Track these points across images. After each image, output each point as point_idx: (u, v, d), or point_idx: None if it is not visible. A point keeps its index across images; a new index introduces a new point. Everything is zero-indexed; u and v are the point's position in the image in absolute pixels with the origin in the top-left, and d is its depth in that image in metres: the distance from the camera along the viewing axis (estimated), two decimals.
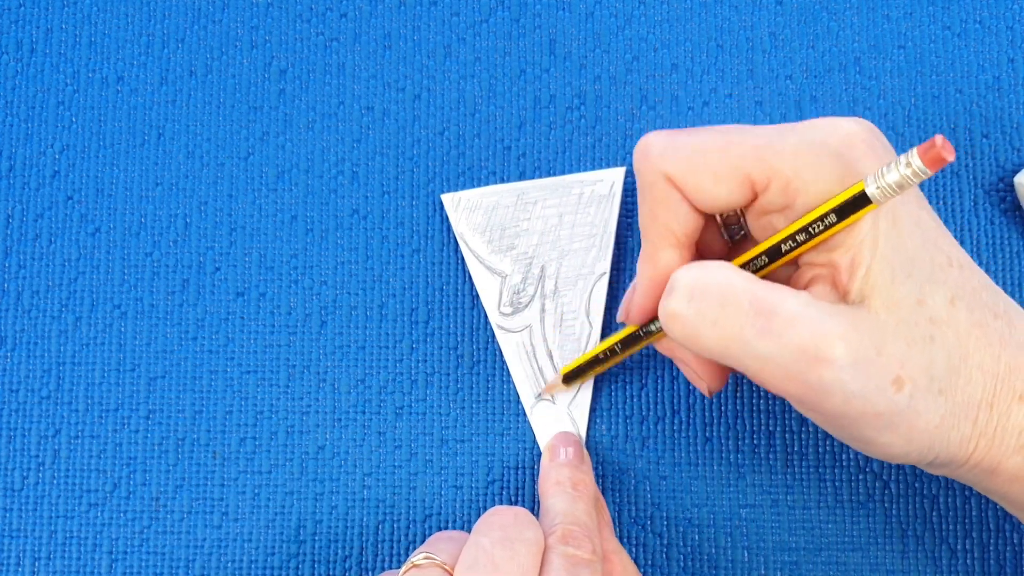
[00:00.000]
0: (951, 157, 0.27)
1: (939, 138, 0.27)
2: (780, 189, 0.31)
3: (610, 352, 0.38)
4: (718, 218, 0.35)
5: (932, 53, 0.44)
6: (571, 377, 0.40)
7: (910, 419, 0.30)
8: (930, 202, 0.43)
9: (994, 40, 0.44)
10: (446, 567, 0.33)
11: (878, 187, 0.28)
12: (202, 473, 0.41)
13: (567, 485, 0.38)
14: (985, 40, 0.44)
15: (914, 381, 0.30)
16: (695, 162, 0.31)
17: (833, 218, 0.30)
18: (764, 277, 0.32)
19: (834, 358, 0.29)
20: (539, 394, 0.41)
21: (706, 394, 0.36)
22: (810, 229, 0.30)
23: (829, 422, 0.31)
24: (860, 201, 0.29)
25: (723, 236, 0.35)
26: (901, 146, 0.43)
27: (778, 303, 0.30)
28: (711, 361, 0.35)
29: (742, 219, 0.34)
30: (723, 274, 0.30)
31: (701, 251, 0.35)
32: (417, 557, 0.34)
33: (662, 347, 0.37)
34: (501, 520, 0.34)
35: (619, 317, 0.37)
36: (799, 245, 0.31)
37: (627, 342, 0.37)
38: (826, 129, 0.31)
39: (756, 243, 0.34)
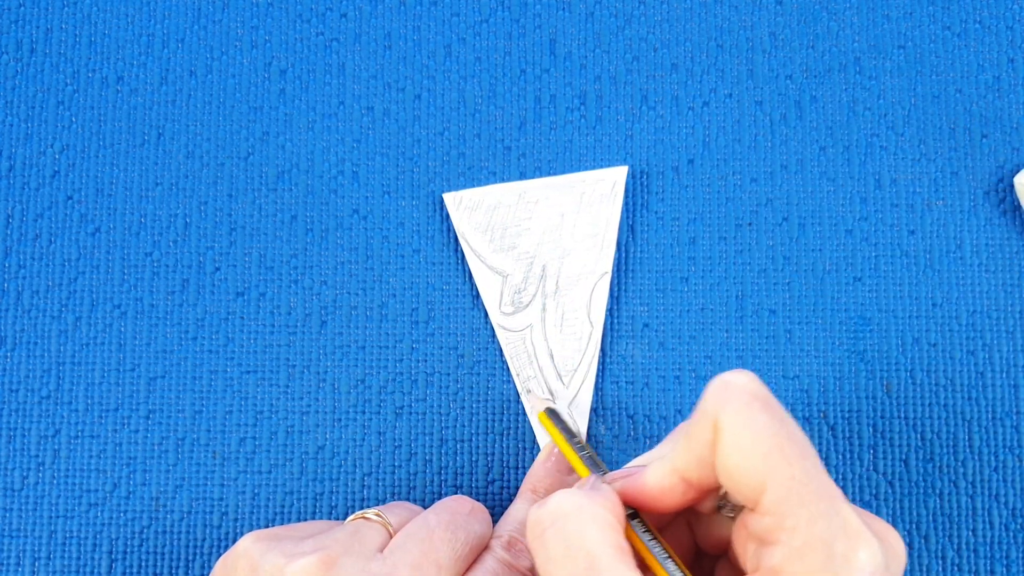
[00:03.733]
0: None
1: None
2: (768, 528, 0.29)
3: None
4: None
5: (932, 53, 0.44)
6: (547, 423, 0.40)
7: None
8: (930, 201, 0.43)
9: (994, 40, 0.44)
10: (391, 528, 0.36)
11: None
12: (202, 473, 0.41)
13: (540, 494, 0.39)
14: (985, 40, 0.44)
15: None
16: (742, 441, 0.29)
17: None
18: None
19: None
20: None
21: None
22: None
23: None
24: None
25: (722, 511, 0.34)
26: (901, 147, 0.43)
27: None
28: None
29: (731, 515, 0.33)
30: (587, 522, 0.30)
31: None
32: (368, 512, 0.36)
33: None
34: (457, 507, 0.36)
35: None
36: None
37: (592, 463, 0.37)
38: (849, 541, 0.28)
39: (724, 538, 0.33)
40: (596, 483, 0.32)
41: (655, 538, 0.32)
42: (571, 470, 0.40)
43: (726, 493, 0.32)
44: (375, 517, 0.36)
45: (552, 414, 0.40)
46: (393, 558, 0.34)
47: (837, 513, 0.29)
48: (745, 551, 0.30)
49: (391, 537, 0.35)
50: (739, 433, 0.29)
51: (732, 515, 0.32)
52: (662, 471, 0.32)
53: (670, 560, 0.31)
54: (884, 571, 0.29)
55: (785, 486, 0.29)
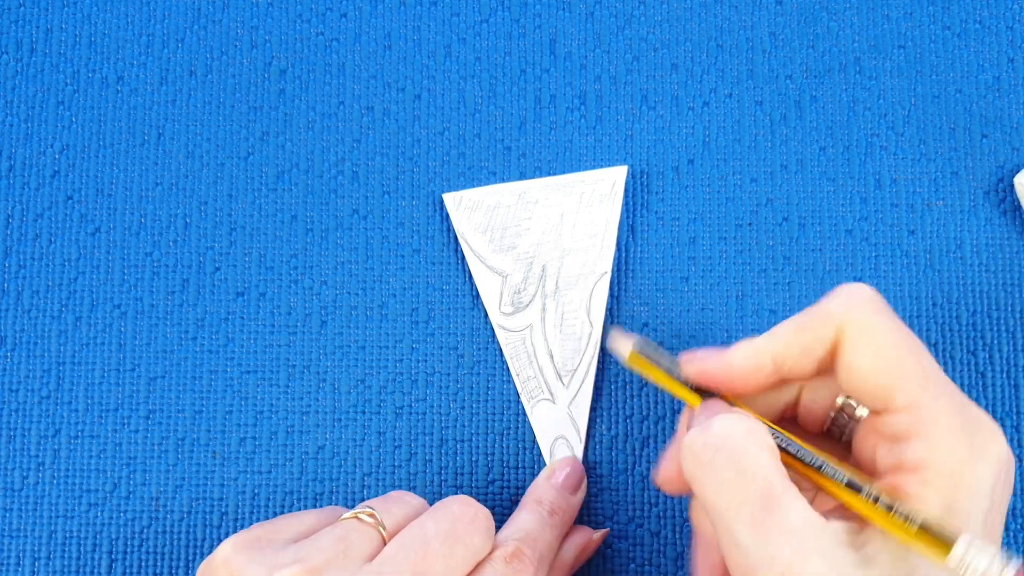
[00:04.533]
0: None
1: None
2: (907, 424, 0.30)
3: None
4: (832, 413, 0.34)
5: (932, 53, 0.44)
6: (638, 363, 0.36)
7: None
8: (930, 201, 0.43)
9: (994, 40, 0.44)
10: (384, 532, 0.33)
11: (956, 567, 0.27)
12: (202, 473, 0.41)
13: (545, 507, 0.37)
14: (985, 40, 0.44)
15: None
16: (876, 342, 0.30)
17: (895, 524, 0.28)
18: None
19: None
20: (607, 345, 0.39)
21: None
22: (868, 498, 0.29)
23: None
24: (935, 543, 0.28)
25: (828, 419, 0.34)
26: (901, 147, 0.43)
27: (786, 508, 0.29)
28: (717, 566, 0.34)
29: (852, 422, 0.33)
30: (758, 446, 0.30)
31: (796, 411, 0.34)
32: (363, 510, 0.34)
33: (694, 515, 0.35)
34: (460, 514, 0.34)
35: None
36: (842, 491, 0.30)
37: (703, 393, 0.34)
38: (985, 431, 0.29)
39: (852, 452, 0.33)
40: (729, 409, 0.32)
41: (802, 447, 0.31)
42: (577, 487, 0.40)
43: (835, 416, 0.33)
44: (368, 519, 0.33)
45: (642, 354, 0.35)
46: (381, 571, 0.31)
47: (968, 406, 0.30)
48: (876, 453, 0.31)
49: (384, 543, 0.33)
50: (872, 335, 0.30)
51: (845, 434, 0.33)
52: (753, 351, 0.32)
53: (826, 465, 0.31)
54: (1012, 464, 0.30)
55: (919, 383, 0.29)
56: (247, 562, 0.32)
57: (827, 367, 0.32)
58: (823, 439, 0.35)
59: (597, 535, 0.40)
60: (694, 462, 0.30)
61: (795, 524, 0.28)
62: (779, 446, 0.31)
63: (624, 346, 0.35)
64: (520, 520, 0.36)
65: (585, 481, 0.40)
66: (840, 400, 0.33)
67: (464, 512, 0.34)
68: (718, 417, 0.31)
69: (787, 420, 0.35)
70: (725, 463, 0.30)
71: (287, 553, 0.32)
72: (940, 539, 0.28)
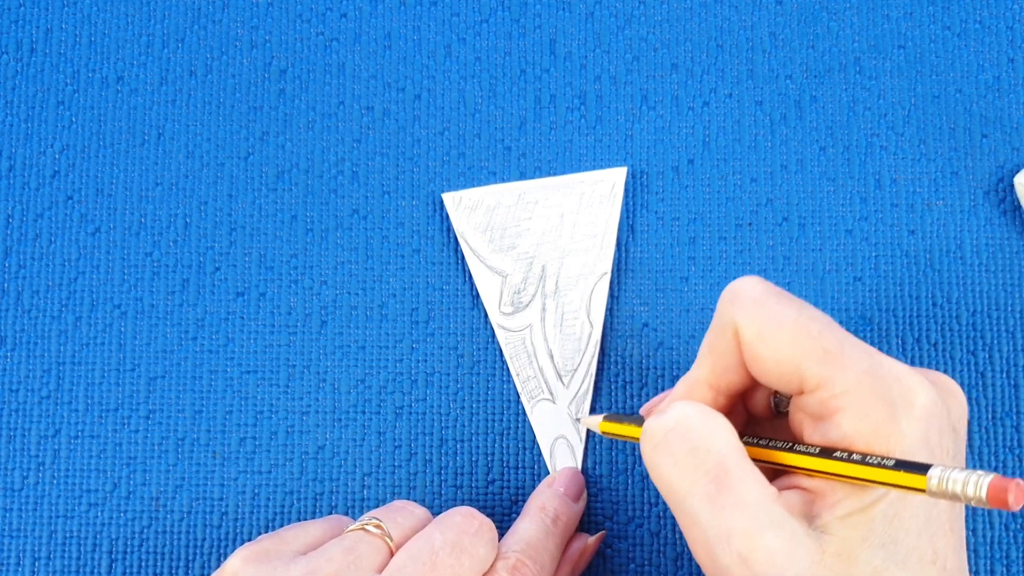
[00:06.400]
0: (1016, 508, 0.26)
1: (1015, 484, 0.26)
2: (822, 402, 0.30)
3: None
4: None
5: (932, 53, 0.44)
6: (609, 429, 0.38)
7: None
8: (930, 201, 0.43)
9: (994, 40, 0.44)
10: (391, 543, 0.33)
11: (936, 490, 0.27)
12: (202, 473, 0.41)
13: (549, 514, 0.37)
14: (985, 40, 0.44)
15: None
16: (765, 336, 0.30)
17: (867, 476, 0.28)
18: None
19: (756, 568, 0.28)
20: (578, 419, 0.41)
21: None
22: (834, 466, 0.29)
23: None
24: (912, 478, 0.28)
25: (771, 403, 0.35)
26: (901, 147, 0.43)
27: (738, 483, 0.29)
28: None
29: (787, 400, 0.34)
30: (712, 426, 0.30)
31: (746, 401, 0.35)
32: (369, 522, 0.34)
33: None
34: (465, 525, 0.34)
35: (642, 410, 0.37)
36: (814, 468, 0.30)
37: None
38: (902, 386, 0.29)
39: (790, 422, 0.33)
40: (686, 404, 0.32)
41: (768, 439, 0.32)
42: (579, 496, 0.40)
43: (776, 392, 0.33)
44: (375, 530, 0.34)
45: (611, 420, 0.37)
46: None
47: (881, 365, 0.29)
48: (805, 430, 0.31)
49: (391, 553, 0.33)
50: (760, 328, 0.30)
51: (787, 410, 0.33)
52: (688, 385, 0.33)
53: (796, 445, 0.31)
54: (943, 409, 0.30)
55: (820, 359, 0.29)
56: (255, 575, 0.32)
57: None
58: (770, 421, 0.35)
59: (593, 540, 0.40)
60: (649, 445, 0.31)
61: (748, 498, 0.29)
62: (748, 441, 0.32)
63: (594, 423, 0.37)
64: (523, 529, 0.36)
65: (586, 491, 0.40)
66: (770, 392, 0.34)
67: (469, 523, 0.34)
68: (675, 404, 0.31)
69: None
70: (678, 441, 0.30)
71: (297, 566, 0.32)
72: (916, 471, 0.28)
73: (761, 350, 0.30)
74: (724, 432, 0.30)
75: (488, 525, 0.34)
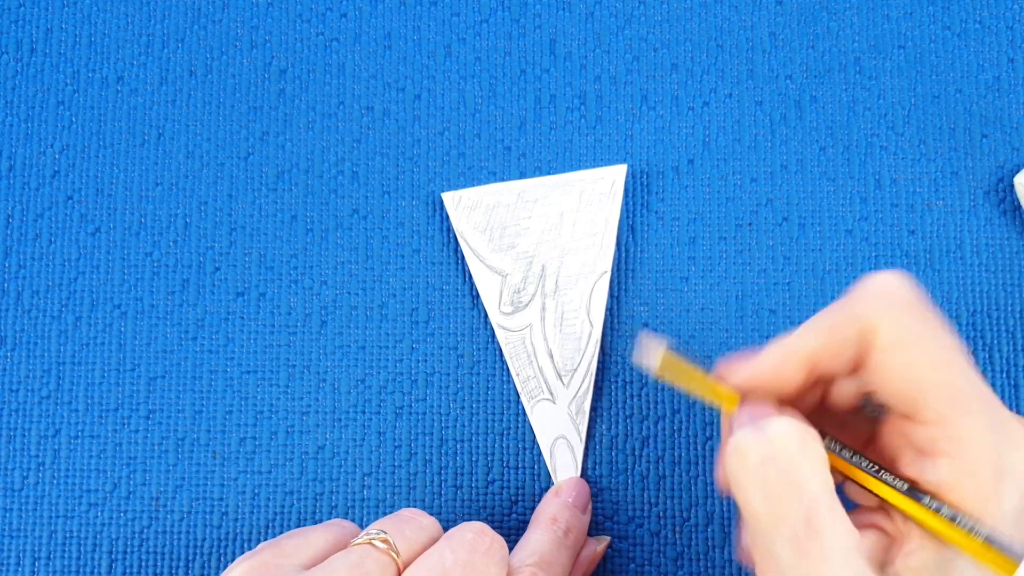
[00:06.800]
0: None
1: None
2: (931, 439, 0.29)
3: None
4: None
5: (932, 53, 0.44)
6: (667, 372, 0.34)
7: None
8: (930, 201, 0.43)
9: (994, 40, 0.44)
10: (398, 559, 0.32)
11: None
12: (202, 473, 0.41)
13: (561, 526, 0.37)
14: (985, 40, 0.44)
15: None
16: (904, 349, 0.29)
17: (956, 538, 0.27)
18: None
19: None
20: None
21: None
22: (921, 513, 0.28)
23: None
24: (999, 559, 0.27)
25: (858, 402, 0.33)
26: (901, 147, 0.43)
27: (827, 530, 0.28)
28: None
29: (881, 409, 0.32)
30: (811, 460, 0.28)
31: (827, 387, 0.33)
32: (377, 535, 0.32)
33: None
34: (476, 543, 0.32)
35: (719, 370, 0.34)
36: (894, 497, 0.29)
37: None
38: (1018, 454, 0.28)
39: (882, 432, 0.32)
40: (778, 411, 0.30)
41: (857, 453, 0.31)
42: (586, 506, 0.39)
43: (869, 393, 0.32)
44: (382, 545, 0.32)
45: (672, 360, 0.33)
46: None
47: (1002, 423, 0.28)
48: (901, 456, 0.30)
49: (399, 570, 0.32)
50: (902, 339, 0.29)
51: (876, 415, 0.32)
52: (784, 353, 0.31)
53: (884, 472, 0.30)
54: None
55: (949, 397, 0.28)
56: None
57: (858, 364, 0.31)
58: (850, 417, 0.34)
59: (601, 546, 0.40)
60: (741, 465, 0.29)
61: (834, 549, 0.27)
62: (833, 452, 0.30)
63: (655, 349, 0.33)
64: (535, 541, 0.36)
65: (591, 505, 0.40)
66: (867, 392, 0.32)
67: (480, 541, 0.33)
68: (772, 420, 0.29)
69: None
70: (776, 474, 0.28)
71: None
72: (1007, 555, 0.27)
73: (893, 361, 0.29)
74: (820, 469, 0.28)
75: (500, 543, 0.33)
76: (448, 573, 0.31)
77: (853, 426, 0.33)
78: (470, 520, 0.40)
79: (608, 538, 0.40)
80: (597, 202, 0.42)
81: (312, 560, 0.32)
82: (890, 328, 0.29)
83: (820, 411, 0.34)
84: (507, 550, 0.33)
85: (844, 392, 0.33)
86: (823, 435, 0.31)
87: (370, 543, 0.32)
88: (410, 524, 0.34)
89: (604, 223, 0.42)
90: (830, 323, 0.31)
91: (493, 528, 0.37)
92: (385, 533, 0.32)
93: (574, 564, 0.37)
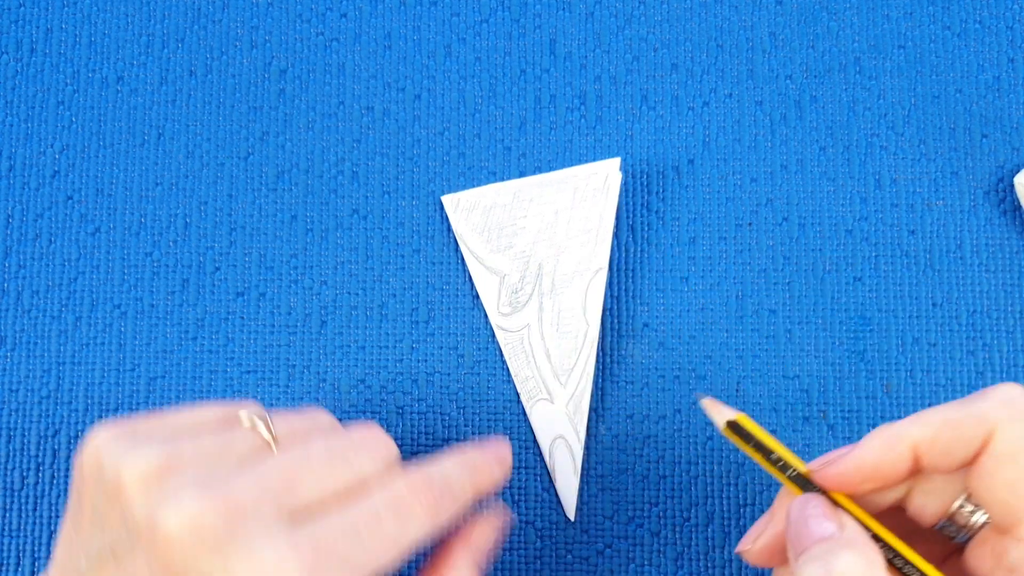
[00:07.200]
0: None
1: None
2: None
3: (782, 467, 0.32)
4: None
5: (932, 53, 0.44)
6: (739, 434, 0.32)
7: None
8: (930, 201, 0.43)
9: (994, 40, 0.44)
10: (273, 442, 0.31)
11: None
12: None
13: (469, 456, 0.33)
14: (985, 40, 0.44)
15: None
16: (1020, 461, 0.28)
17: None
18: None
19: None
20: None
21: None
22: None
23: None
24: None
25: (944, 530, 0.31)
26: (901, 147, 0.43)
27: None
28: None
29: (966, 530, 0.31)
30: None
31: (910, 498, 0.32)
32: (262, 420, 0.31)
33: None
34: (356, 437, 0.31)
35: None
36: None
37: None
38: None
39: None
40: (841, 534, 0.29)
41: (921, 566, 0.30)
42: (504, 460, 0.34)
43: (953, 515, 0.31)
44: (262, 428, 0.30)
45: (736, 427, 0.32)
46: (244, 476, 0.28)
47: None
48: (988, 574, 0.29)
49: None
50: (1018, 454, 0.28)
51: (954, 536, 0.31)
52: (891, 439, 0.30)
53: None
54: None
55: None
56: (111, 439, 0.29)
57: (962, 467, 0.30)
58: (929, 534, 0.32)
59: (495, 517, 0.35)
60: None
61: None
62: (896, 567, 0.29)
63: (721, 417, 0.32)
64: (438, 459, 0.32)
65: (510, 468, 0.35)
66: (957, 504, 0.31)
67: (361, 436, 0.31)
68: (841, 556, 0.28)
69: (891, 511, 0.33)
70: None
71: (157, 443, 0.29)
72: None
73: (1005, 470, 0.28)
74: None
75: (385, 442, 0.31)
76: (310, 458, 0.29)
77: (924, 541, 0.32)
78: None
79: (510, 515, 0.37)
80: (591, 198, 0.42)
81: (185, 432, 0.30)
82: (1009, 437, 0.28)
83: (891, 513, 0.32)
84: (394, 451, 0.32)
85: (931, 494, 0.31)
86: (894, 553, 0.30)
87: (251, 427, 0.31)
88: (301, 416, 0.32)
89: (599, 219, 0.42)
90: (945, 417, 0.29)
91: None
92: (269, 419, 0.31)
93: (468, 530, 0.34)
